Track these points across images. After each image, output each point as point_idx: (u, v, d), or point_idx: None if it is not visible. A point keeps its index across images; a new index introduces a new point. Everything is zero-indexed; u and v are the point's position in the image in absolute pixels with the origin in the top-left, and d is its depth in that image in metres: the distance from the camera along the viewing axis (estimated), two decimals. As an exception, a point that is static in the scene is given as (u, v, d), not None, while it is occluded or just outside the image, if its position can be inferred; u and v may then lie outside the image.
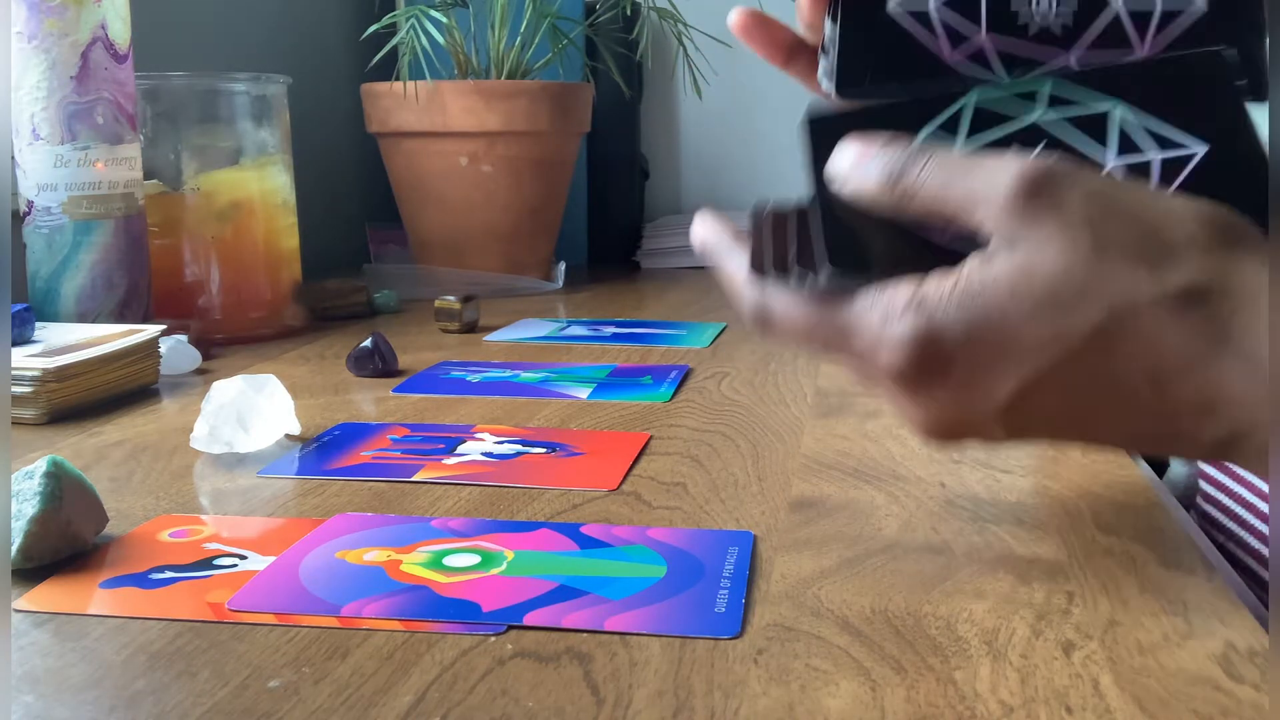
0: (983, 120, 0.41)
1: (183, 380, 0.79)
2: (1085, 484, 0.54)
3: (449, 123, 1.14)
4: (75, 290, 0.82)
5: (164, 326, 0.77)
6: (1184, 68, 0.40)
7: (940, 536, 0.48)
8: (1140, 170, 0.40)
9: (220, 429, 0.60)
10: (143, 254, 0.85)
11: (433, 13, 1.09)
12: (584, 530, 0.49)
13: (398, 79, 1.14)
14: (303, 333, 0.97)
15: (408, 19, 1.10)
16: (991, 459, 0.58)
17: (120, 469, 0.58)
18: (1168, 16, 0.41)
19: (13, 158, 0.82)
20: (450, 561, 0.45)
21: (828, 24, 0.43)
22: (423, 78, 1.13)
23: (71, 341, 0.72)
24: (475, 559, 0.45)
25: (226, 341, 0.91)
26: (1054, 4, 0.41)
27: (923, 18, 0.42)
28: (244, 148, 0.95)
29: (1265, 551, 0.61)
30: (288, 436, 0.63)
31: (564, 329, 0.98)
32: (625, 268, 1.41)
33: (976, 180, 0.37)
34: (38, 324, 0.76)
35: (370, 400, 0.73)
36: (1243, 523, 0.64)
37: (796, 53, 0.46)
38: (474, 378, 0.78)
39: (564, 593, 0.42)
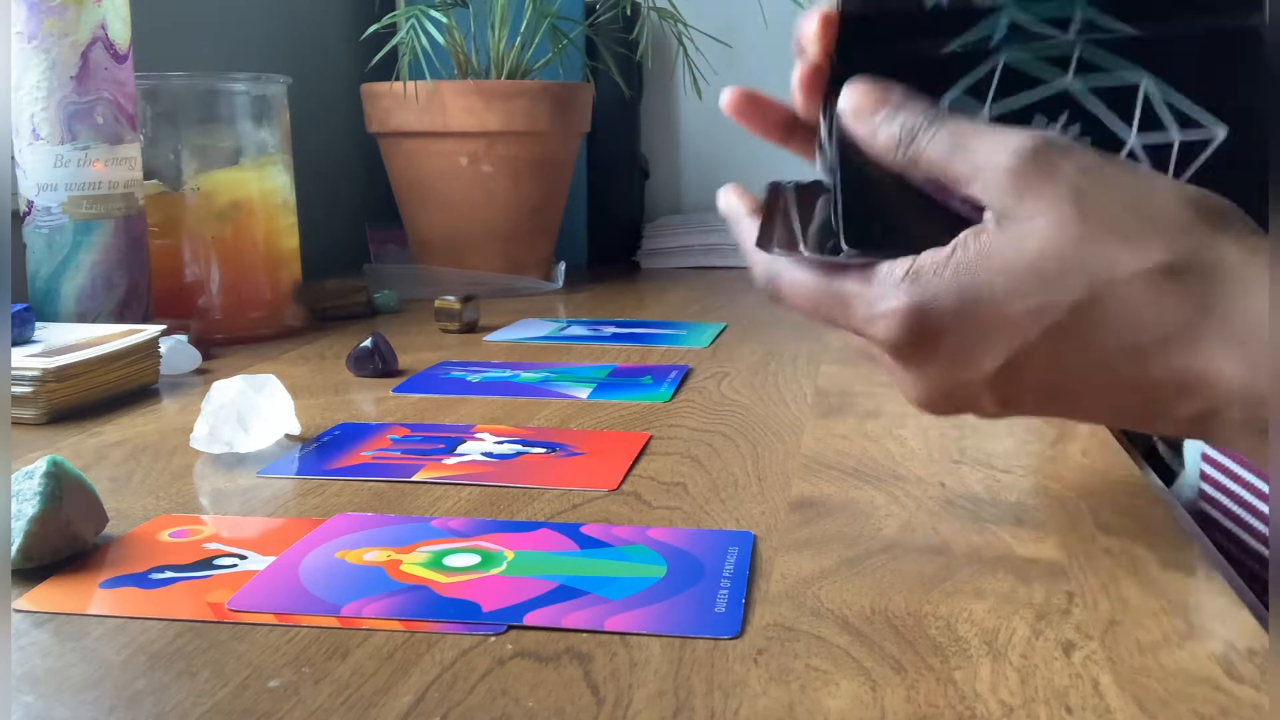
0: (1011, 83, 0.41)
1: (183, 380, 0.79)
2: (1085, 484, 0.54)
3: (449, 123, 1.14)
4: (75, 290, 0.82)
5: (164, 326, 0.77)
6: (1217, 42, 0.40)
7: (940, 536, 0.48)
8: (1160, 151, 0.40)
9: (220, 429, 0.60)
10: (143, 254, 0.85)
11: (433, 13, 1.09)
12: (584, 530, 0.49)
13: (398, 79, 1.14)
14: (303, 333, 0.97)
15: (408, 19, 1.10)
16: (992, 459, 0.58)
17: (120, 469, 0.58)
18: None
19: (13, 158, 0.82)
20: (450, 561, 0.45)
21: (822, 124, 0.43)
22: (423, 78, 1.13)
23: (71, 341, 0.72)
24: (475, 559, 0.45)
25: (226, 341, 0.91)
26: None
27: None
28: (244, 148, 0.95)
29: (1265, 551, 0.61)
30: (288, 436, 0.63)
31: (564, 329, 0.98)
32: (625, 268, 1.41)
33: (978, 153, 0.39)
34: (38, 324, 0.76)
35: (370, 400, 0.73)
36: (1242, 523, 0.64)
37: (794, 128, 0.46)
38: (474, 378, 0.78)
39: (564, 593, 0.42)
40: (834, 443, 0.61)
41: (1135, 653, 0.37)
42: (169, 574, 0.44)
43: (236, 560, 0.46)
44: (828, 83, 0.43)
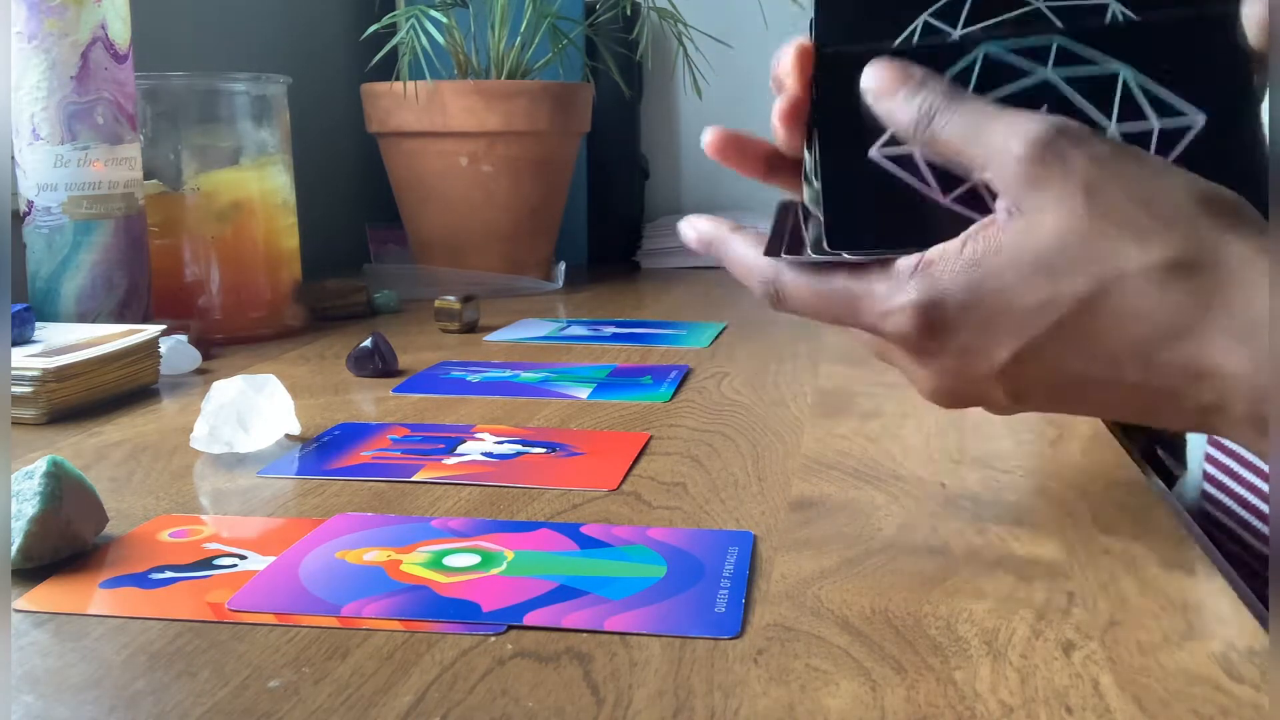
0: (991, 75, 0.41)
1: (183, 380, 0.79)
2: (1085, 484, 0.54)
3: (449, 123, 1.14)
4: (75, 290, 0.82)
5: (164, 326, 0.77)
6: (1192, 31, 0.40)
7: (940, 536, 0.48)
8: (1141, 139, 0.40)
9: (220, 429, 0.60)
10: (143, 254, 0.85)
11: (433, 13, 1.09)
12: (584, 530, 0.49)
13: (398, 79, 1.14)
14: (303, 333, 0.97)
15: (408, 19, 1.10)
16: (992, 459, 0.58)
17: (120, 469, 0.58)
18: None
19: (13, 158, 0.82)
20: (450, 561, 0.45)
21: (807, 157, 0.43)
22: (423, 78, 1.13)
23: (71, 341, 0.72)
24: (475, 559, 0.45)
25: (226, 341, 0.91)
26: None
27: (906, 160, 0.42)
28: (244, 148, 0.95)
29: (1265, 551, 0.61)
30: (288, 436, 0.63)
31: (564, 329, 0.98)
32: (625, 268, 1.41)
33: (992, 138, 0.39)
34: (38, 324, 0.76)
35: (370, 400, 0.73)
36: (1243, 522, 0.64)
37: (776, 164, 0.46)
38: (474, 378, 0.78)
39: (564, 593, 0.42)
40: (834, 443, 0.61)
41: (1135, 653, 0.37)
42: (169, 574, 0.44)
43: (236, 560, 0.46)
44: (810, 115, 0.43)
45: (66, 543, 0.45)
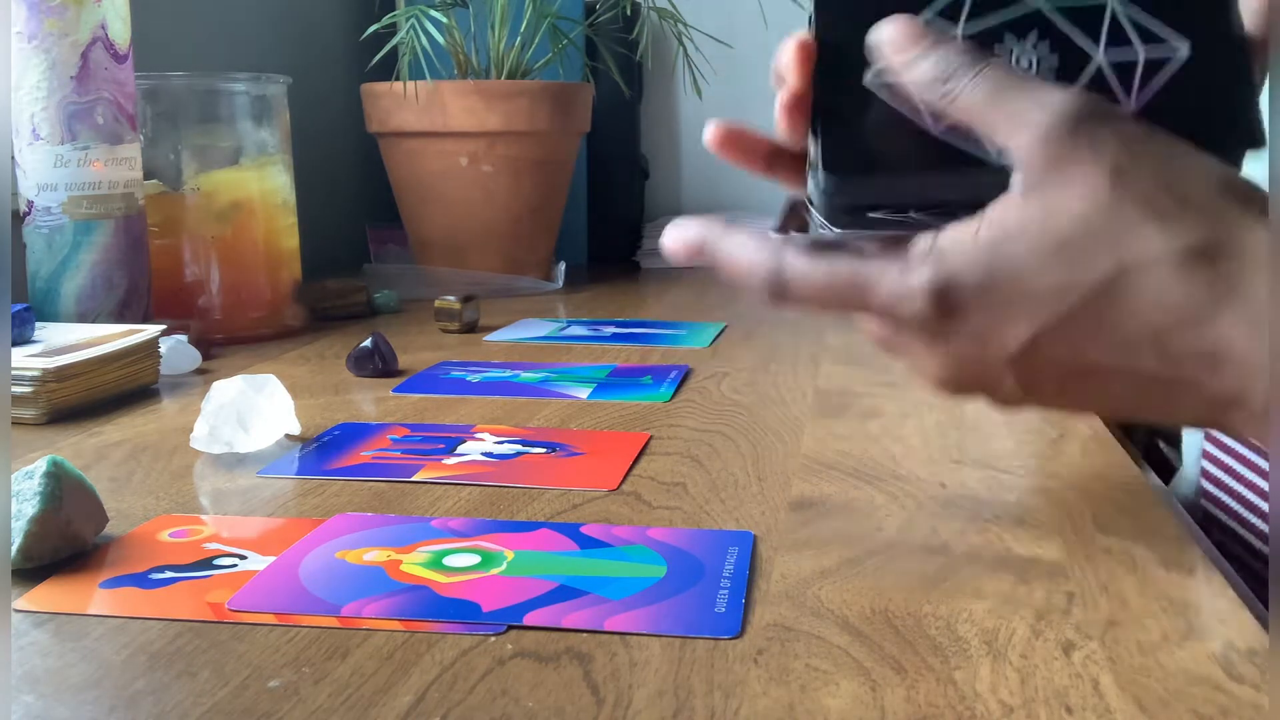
0: (982, 4, 0.41)
1: (183, 380, 0.79)
2: (1085, 484, 0.54)
3: (449, 123, 1.14)
4: (75, 290, 0.82)
5: (164, 326, 0.77)
6: None
7: (940, 536, 0.48)
8: (1127, 69, 0.41)
9: (220, 429, 0.60)
10: (143, 254, 0.85)
11: (433, 13, 1.10)
12: (584, 530, 0.49)
13: (398, 79, 1.14)
14: (303, 333, 0.97)
15: (408, 19, 1.10)
16: (992, 459, 0.58)
17: (120, 469, 0.58)
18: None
19: (13, 158, 0.82)
20: (450, 561, 0.45)
21: (810, 142, 0.43)
22: (423, 78, 1.13)
23: (71, 341, 0.72)
24: (475, 559, 0.45)
25: (226, 341, 0.91)
26: (1034, 61, 0.42)
27: (900, 96, 0.42)
28: (244, 148, 0.95)
29: (1265, 551, 0.61)
30: (288, 436, 0.63)
31: (564, 329, 0.98)
32: (625, 268, 1.41)
33: (1020, 105, 0.38)
34: (38, 324, 0.76)
35: (370, 400, 0.73)
36: (1243, 522, 0.64)
37: (776, 159, 0.46)
38: (474, 378, 0.78)
39: (564, 593, 0.42)
40: (834, 443, 0.61)
41: (1135, 653, 0.37)
42: (169, 574, 0.44)
43: (236, 560, 0.46)
44: (813, 105, 0.43)
45: (66, 543, 0.45)
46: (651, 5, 1.22)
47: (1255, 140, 0.40)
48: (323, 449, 0.61)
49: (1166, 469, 0.77)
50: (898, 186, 0.42)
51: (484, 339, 0.94)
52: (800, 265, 0.41)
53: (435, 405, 0.71)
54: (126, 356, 0.73)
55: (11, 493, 0.45)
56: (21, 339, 0.72)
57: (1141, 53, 0.41)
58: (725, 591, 0.42)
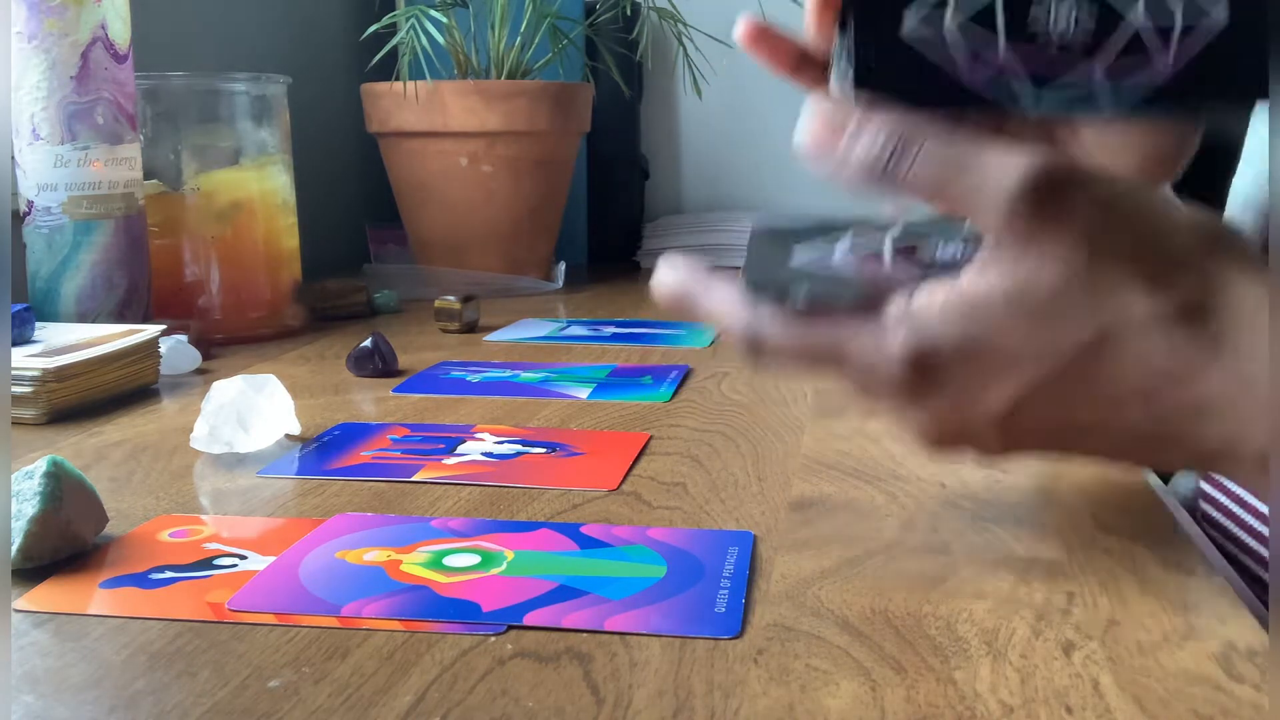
0: None
1: (183, 380, 0.79)
2: (1085, 484, 0.54)
3: (449, 123, 1.14)
4: (75, 290, 0.82)
5: (164, 326, 0.77)
6: None
7: (940, 536, 0.48)
8: (1165, 34, 0.40)
9: (220, 429, 0.60)
10: (143, 254, 0.85)
11: (433, 13, 1.09)
12: (584, 530, 0.49)
13: (398, 79, 1.14)
14: (303, 333, 0.97)
15: (408, 19, 1.10)
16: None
17: (120, 469, 0.58)
18: (1187, 30, 0.41)
19: (13, 158, 0.82)
20: (450, 561, 0.45)
21: (838, 36, 0.43)
22: (423, 78, 1.13)
23: (71, 341, 0.72)
24: (475, 559, 0.45)
25: (226, 341, 0.91)
26: (1071, 21, 0.41)
27: (938, 41, 0.41)
28: (244, 148, 0.95)
29: (1265, 552, 0.61)
30: (288, 436, 0.63)
31: (564, 329, 0.98)
32: (625, 268, 1.41)
33: (975, 179, 0.36)
34: (38, 324, 0.76)
35: (370, 400, 0.73)
36: (1242, 523, 0.64)
37: (803, 62, 0.45)
38: (474, 378, 0.78)
39: (564, 593, 0.42)
40: (834, 443, 0.61)
41: (1135, 653, 0.37)
42: (169, 574, 0.44)
43: (236, 560, 0.46)
44: (841, 5, 0.42)
45: (66, 543, 0.45)
46: (651, 5, 1.21)
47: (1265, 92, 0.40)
48: (323, 449, 0.61)
49: (1167, 477, 0.77)
50: (922, 85, 0.41)
51: (484, 339, 0.94)
52: (775, 326, 0.40)
53: (435, 405, 0.71)
54: (126, 356, 0.73)
55: (11, 493, 0.45)
56: (21, 339, 0.72)
57: (1180, 19, 0.40)
58: (725, 591, 0.42)
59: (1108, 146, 0.52)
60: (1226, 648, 0.37)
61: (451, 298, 0.97)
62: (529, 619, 0.40)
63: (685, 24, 1.19)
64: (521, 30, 1.17)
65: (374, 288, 1.09)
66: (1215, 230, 0.37)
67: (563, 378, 0.78)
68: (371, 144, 1.25)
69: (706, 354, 0.87)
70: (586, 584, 0.43)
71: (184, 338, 0.81)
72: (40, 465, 0.46)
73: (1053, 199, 0.36)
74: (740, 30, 0.44)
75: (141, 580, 0.44)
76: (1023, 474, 0.56)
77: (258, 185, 0.95)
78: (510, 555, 0.46)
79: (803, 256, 0.42)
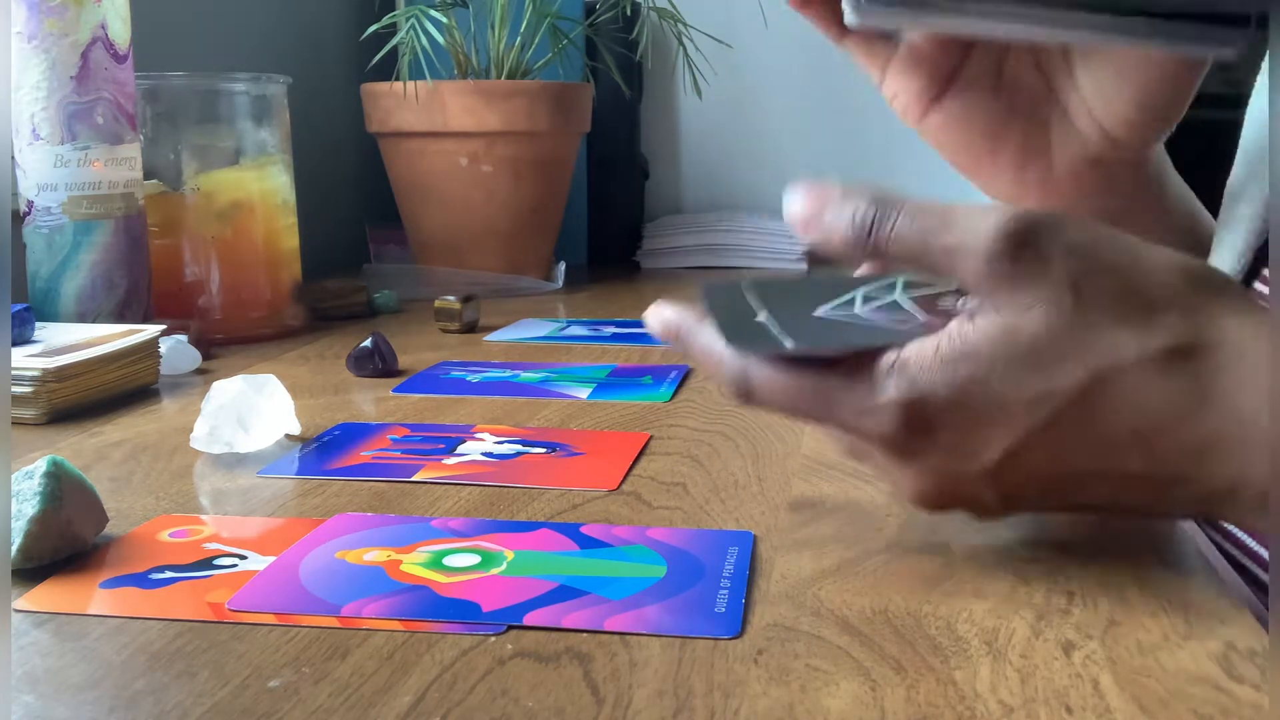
0: None
1: (183, 380, 0.79)
2: (1085, 484, 0.54)
3: (449, 123, 1.14)
4: (75, 290, 0.82)
5: (164, 326, 0.77)
6: None
7: (940, 536, 0.47)
8: None
9: (220, 429, 0.60)
10: (143, 254, 0.85)
11: (433, 13, 1.09)
12: (584, 530, 0.49)
13: (398, 79, 1.14)
14: (303, 333, 0.97)
15: (408, 19, 1.10)
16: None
17: (120, 469, 0.58)
18: None
19: (13, 158, 0.82)
20: (450, 561, 0.45)
21: None
22: (423, 78, 1.13)
23: (71, 341, 0.72)
24: (475, 559, 0.45)
25: (226, 341, 0.91)
26: None
27: None
28: (244, 148, 0.95)
29: (1264, 552, 0.61)
30: (288, 436, 0.63)
31: (564, 329, 0.98)
32: (625, 268, 1.41)
33: (954, 236, 0.37)
34: (38, 324, 0.76)
35: (370, 400, 0.73)
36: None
37: None
38: (474, 378, 0.78)
39: (564, 593, 0.42)
40: (834, 443, 0.61)
41: (1135, 653, 0.37)
42: (169, 574, 0.44)
43: (236, 560, 0.46)
44: None
45: (66, 543, 0.45)
46: (651, 5, 1.21)
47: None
48: (323, 449, 0.61)
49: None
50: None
51: (484, 339, 0.94)
52: (765, 373, 0.40)
53: (435, 405, 0.71)
54: (126, 356, 0.73)
55: (11, 493, 0.45)
56: (21, 339, 0.72)
57: None
58: (725, 591, 0.42)
59: (1102, 92, 0.51)
60: (1226, 648, 0.37)
61: (451, 298, 0.97)
62: (529, 619, 0.40)
63: (685, 24, 1.19)
64: (521, 30, 1.17)
65: (374, 288, 1.09)
66: (1196, 271, 0.36)
67: (563, 378, 0.78)
68: (371, 144, 1.25)
69: (706, 354, 0.87)
70: (586, 584, 0.43)
71: (184, 338, 0.81)
72: (40, 465, 0.46)
73: (1030, 247, 0.36)
74: None
75: (141, 580, 0.44)
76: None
77: (258, 185, 0.95)
78: (510, 555, 0.46)
79: (813, 309, 0.41)
